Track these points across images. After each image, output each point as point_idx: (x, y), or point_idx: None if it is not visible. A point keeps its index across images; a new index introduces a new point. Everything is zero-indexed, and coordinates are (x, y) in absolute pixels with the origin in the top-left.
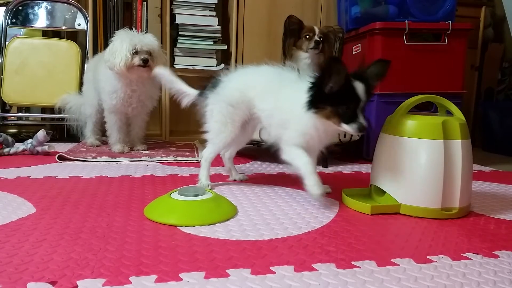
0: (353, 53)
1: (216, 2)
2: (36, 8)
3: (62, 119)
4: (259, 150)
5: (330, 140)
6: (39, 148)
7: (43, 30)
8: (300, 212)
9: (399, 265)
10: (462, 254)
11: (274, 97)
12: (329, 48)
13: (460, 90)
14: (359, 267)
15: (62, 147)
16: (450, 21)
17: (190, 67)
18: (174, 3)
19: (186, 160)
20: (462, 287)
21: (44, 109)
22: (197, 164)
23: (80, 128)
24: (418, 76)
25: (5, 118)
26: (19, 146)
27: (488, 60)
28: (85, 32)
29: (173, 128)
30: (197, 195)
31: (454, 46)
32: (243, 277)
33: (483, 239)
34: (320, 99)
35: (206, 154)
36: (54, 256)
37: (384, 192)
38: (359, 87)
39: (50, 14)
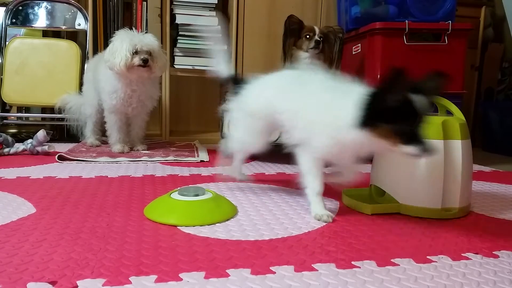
0: (353, 53)
1: (216, 2)
2: (36, 8)
3: (62, 119)
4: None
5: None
6: (39, 148)
7: (43, 30)
8: (300, 212)
9: (399, 265)
10: (462, 254)
11: (301, 98)
12: (329, 48)
13: (460, 90)
14: (359, 267)
15: (62, 147)
16: (450, 21)
17: (190, 67)
18: (174, 3)
19: (186, 160)
20: (462, 287)
21: (44, 109)
22: (197, 164)
23: (80, 128)
24: (418, 76)
25: (5, 118)
26: (19, 146)
27: (488, 60)
28: (85, 32)
29: (173, 128)
30: (197, 195)
31: (454, 46)
32: (243, 277)
33: (483, 239)
34: (375, 115)
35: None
36: (54, 256)
37: (384, 192)
38: (420, 102)
39: (50, 14)
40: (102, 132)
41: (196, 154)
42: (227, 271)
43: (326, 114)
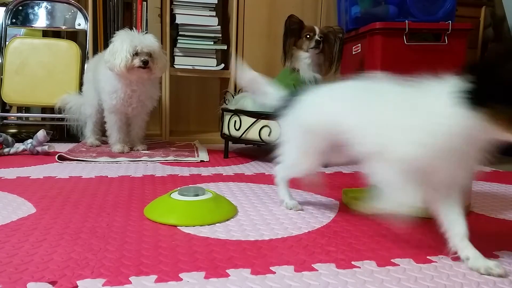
0: (353, 53)
1: (216, 2)
2: (36, 8)
3: (62, 119)
4: (259, 150)
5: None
6: (39, 148)
7: (43, 30)
8: (300, 212)
9: (399, 265)
10: None
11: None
12: (329, 48)
13: None
14: (359, 267)
15: (62, 147)
16: (450, 21)
17: (190, 67)
18: (174, 3)
19: (186, 160)
20: (462, 287)
21: (44, 109)
22: (197, 164)
23: (80, 128)
24: (418, 76)
25: (5, 118)
26: (19, 146)
27: None
28: (85, 32)
29: (173, 128)
30: (197, 195)
31: (454, 46)
32: (243, 277)
33: (483, 239)
34: (489, 92)
35: (280, 175)
36: (54, 256)
37: None
38: None
39: (50, 14)
40: (102, 132)
41: (196, 154)
42: (227, 271)
43: (413, 116)
